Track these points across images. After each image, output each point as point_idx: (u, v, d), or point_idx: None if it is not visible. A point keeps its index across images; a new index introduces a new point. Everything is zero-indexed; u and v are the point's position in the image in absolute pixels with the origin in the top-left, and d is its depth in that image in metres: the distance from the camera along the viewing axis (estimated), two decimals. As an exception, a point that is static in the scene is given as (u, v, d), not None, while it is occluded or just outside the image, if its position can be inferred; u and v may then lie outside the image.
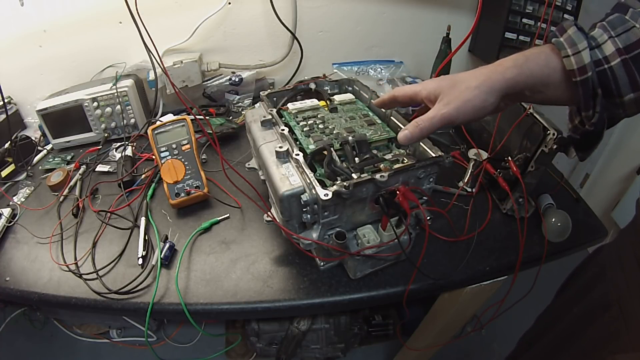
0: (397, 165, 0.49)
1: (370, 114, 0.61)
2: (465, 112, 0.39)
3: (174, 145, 0.69)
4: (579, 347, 0.49)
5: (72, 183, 0.75)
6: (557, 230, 0.59)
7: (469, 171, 0.70)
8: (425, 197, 0.51)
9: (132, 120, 0.90)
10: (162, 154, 0.68)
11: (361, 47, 1.10)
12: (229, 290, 0.53)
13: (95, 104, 0.86)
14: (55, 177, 0.75)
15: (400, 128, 0.54)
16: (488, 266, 0.57)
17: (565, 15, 0.96)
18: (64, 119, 0.86)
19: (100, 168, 0.80)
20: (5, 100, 0.89)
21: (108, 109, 0.87)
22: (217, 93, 1.01)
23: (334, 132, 0.55)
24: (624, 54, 0.33)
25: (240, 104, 1.01)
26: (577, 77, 0.34)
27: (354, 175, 0.47)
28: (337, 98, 0.64)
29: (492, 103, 0.39)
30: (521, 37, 0.97)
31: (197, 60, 0.93)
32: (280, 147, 0.49)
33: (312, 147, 0.51)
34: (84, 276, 0.56)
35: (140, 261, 0.57)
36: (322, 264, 0.55)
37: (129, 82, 0.88)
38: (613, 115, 0.37)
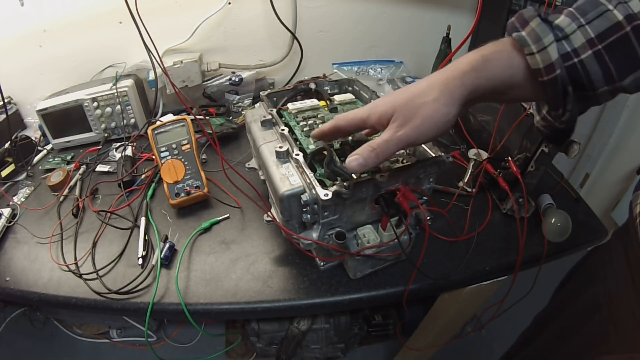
0: (397, 165, 0.48)
1: (370, 114, 0.61)
2: (426, 130, 0.35)
3: (174, 145, 0.69)
4: (569, 348, 0.49)
5: (72, 183, 0.75)
6: (557, 230, 0.59)
7: (469, 171, 0.70)
8: (425, 197, 0.51)
9: (132, 120, 0.90)
10: (162, 154, 0.68)
11: (361, 47, 1.10)
12: (229, 290, 0.53)
13: (95, 104, 0.86)
14: (55, 177, 0.75)
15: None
16: (488, 266, 0.57)
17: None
18: (64, 119, 0.86)
19: (100, 168, 0.80)
20: (5, 100, 0.89)
21: (108, 109, 0.87)
22: (217, 93, 1.01)
23: (334, 132, 0.55)
24: (597, 45, 0.30)
25: (240, 104, 1.01)
26: (544, 77, 0.31)
27: (354, 175, 0.47)
28: (337, 98, 0.64)
29: (455, 115, 0.35)
30: (521, 37, 0.97)
31: (197, 60, 0.93)
32: (280, 147, 0.49)
33: (312, 147, 0.51)
34: (84, 276, 0.56)
35: (140, 261, 0.57)
36: (322, 264, 0.55)
37: (129, 82, 0.88)
38: (584, 108, 0.34)
